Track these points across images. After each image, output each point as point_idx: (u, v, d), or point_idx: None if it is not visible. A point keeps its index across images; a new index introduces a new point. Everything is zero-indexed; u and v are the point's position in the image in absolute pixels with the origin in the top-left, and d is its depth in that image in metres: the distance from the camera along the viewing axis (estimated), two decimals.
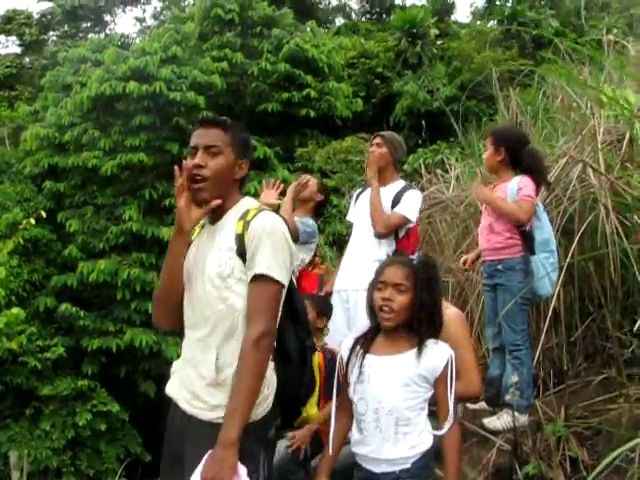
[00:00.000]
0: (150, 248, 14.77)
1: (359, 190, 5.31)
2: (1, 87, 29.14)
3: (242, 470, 2.35)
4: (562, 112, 6.18)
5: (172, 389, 2.72)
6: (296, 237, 5.23)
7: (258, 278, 2.52)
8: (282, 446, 3.64)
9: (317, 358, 3.81)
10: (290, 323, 2.68)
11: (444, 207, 5.86)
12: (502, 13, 20.15)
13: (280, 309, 2.60)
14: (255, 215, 2.60)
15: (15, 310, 10.57)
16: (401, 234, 4.87)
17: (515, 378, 3.65)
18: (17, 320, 10.65)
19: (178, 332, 2.78)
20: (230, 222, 2.64)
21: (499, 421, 3.80)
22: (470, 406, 4.23)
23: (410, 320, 2.88)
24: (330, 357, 3.89)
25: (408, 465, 2.78)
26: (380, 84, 19.61)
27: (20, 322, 10.93)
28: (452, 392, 2.81)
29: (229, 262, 2.58)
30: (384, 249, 4.67)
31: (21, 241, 11.11)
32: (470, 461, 3.53)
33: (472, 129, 8.34)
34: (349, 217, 5.30)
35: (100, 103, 15.78)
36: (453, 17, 26.16)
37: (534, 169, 4.13)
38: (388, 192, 4.89)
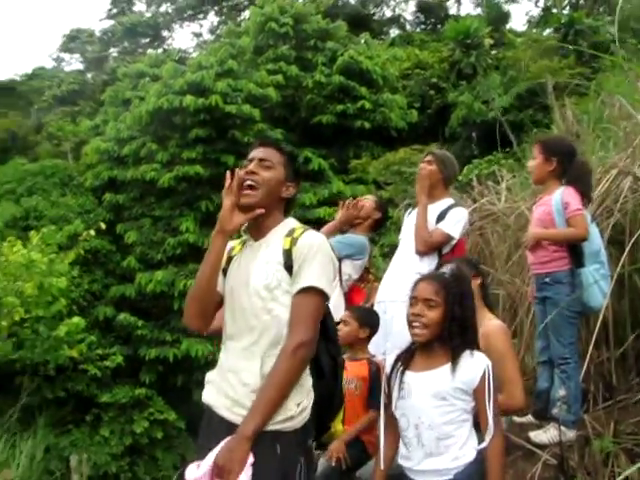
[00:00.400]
0: None
1: (411, 209, 5.32)
2: (65, 103, 30.01)
3: (249, 469, 2.44)
4: (617, 121, 6.08)
5: (210, 397, 2.78)
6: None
7: (305, 290, 2.62)
8: (325, 459, 3.75)
9: (361, 368, 3.89)
10: (322, 340, 2.74)
11: (495, 219, 5.83)
12: (558, 21, 19.86)
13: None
14: (302, 233, 2.73)
15: (76, 319, 10.87)
16: (445, 250, 4.86)
17: (563, 392, 3.62)
18: (78, 329, 10.94)
19: (205, 335, 2.86)
20: (276, 239, 2.76)
21: (545, 435, 3.76)
22: (516, 419, 4.19)
23: (444, 334, 2.91)
24: (375, 369, 3.96)
25: (451, 476, 2.81)
26: (435, 95, 19.51)
27: (80, 331, 11.23)
28: (491, 403, 2.82)
29: (276, 274, 2.67)
30: (425, 263, 4.68)
31: (82, 252, 11.43)
32: (515, 475, 3.50)
33: (528, 139, 8.26)
34: (401, 235, 5.32)
35: (158, 117, 16.13)
36: (508, 26, 25.91)
37: (580, 181, 4.08)
38: (435, 209, 4.89)
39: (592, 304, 3.97)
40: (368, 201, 5.48)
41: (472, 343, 2.96)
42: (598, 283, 3.91)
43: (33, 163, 18.64)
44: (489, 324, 3.64)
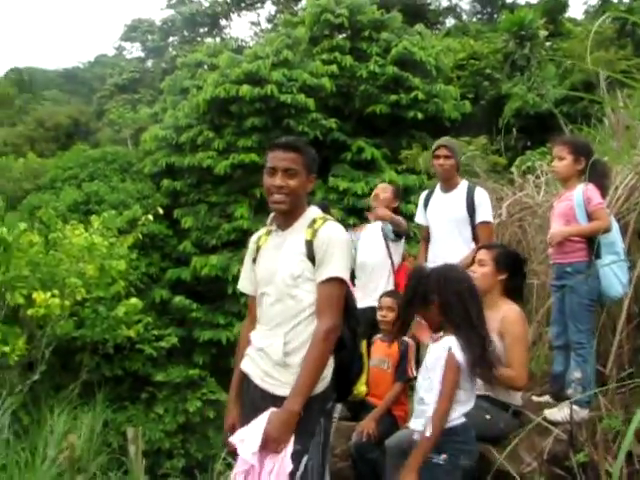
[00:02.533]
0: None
1: (426, 193, 5.57)
2: (125, 90, 30.74)
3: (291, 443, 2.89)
4: None
5: (247, 367, 3.22)
6: (407, 232, 5.70)
7: (329, 280, 2.99)
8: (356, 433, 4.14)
9: (393, 347, 4.27)
10: (344, 315, 3.10)
11: (533, 211, 6.00)
12: (617, 10, 19.62)
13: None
14: (322, 224, 3.08)
15: (133, 300, 11.28)
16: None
17: (578, 374, 3.88)
18: (135, 310, 11.35)
19: None
20: (299, 229, 3.11)
21: (559, 413, 3.99)
22: (535, 398, 4.44)
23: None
24: (404, 348, 4.34)
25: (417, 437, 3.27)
26: (489, 86, 19.50)
27: (138, 312, 11.62)
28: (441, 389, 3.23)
29: (300, 264, 3.05)
30: (465, 249, 4.99)
31: (140, 236, 11.84)
32: (529, 447, 3.74)
33: (581, 131, 8.28)
34: (418, 219, 5.59)
35: (215, 105, 16.52)
36: (566, 15, 25.58)
37: (600, 178, 4.29)
38: (457, 198, 5.19)
39: (610, 293, 4.19)
40: (387, 192, 5.79)
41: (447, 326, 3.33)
42: (614, 272, 4.13)
43: (94, 149, 19.21)
44: (507, 309, 3.94)
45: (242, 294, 12.07)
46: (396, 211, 5.89)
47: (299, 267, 3.04)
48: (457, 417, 3.25)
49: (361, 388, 3.48)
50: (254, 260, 3.27)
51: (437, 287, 3.32)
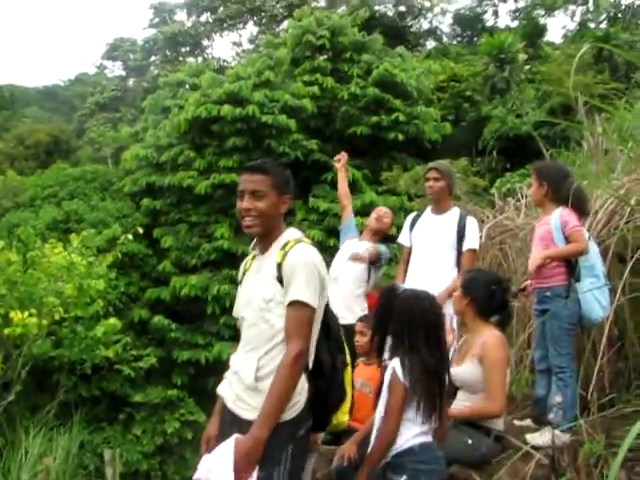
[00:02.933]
0: (240, 265, 15.30)
1: (414, 215, 5.63)
2: (106, 109, 30.68)
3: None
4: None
5: (222, 389, 3.22)
6: (377, 259, 5.74)
7: (294, 303, 2.96)
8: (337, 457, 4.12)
9: (376, 373, 4.24)
10: (325, 340, 3.11)
11: (514, 234, 6.05)
12: (594, 35, 19.91)
13: (315, 329, 3.04)
14: (292, 246, 3.04)
15: (112, 320, 11.22)
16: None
17: (559, 399, 3.90)
18: (114, 330, 11.29)
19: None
20: (274, 252, 3.10)
21: (541, 438, 4.01)
22: (516, 422, 4.46)
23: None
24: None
25: (388, 459, 3.33)
26: (469, 108, 19.65)
27: (116, 332, 11.57)
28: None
29: (271, 288, 3.03)
30: (448, 274, 5.02)
31: (119, 255, 11.78)
32: (510, 473, 3.75)
33: (560, 154, 8.35)
34: (401, 240, 5.64)
35: (196, 125, 16.51)
36: (545, 39, 25.91)
37: (574, 200, 4.34)
38: (448, 222, 5.24)
39: (591, 316, 4.22)
40: (389, 218, 5.91)
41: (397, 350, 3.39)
42: (594, 296, 4.16)
43: (74, 168, 19.12)
44: (488, 334, 3.97)
45: (222, 314, 12.02)
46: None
47: (270, 291, 3.03)
48: (413, 436, 3.28)
49: (342, 418, 3.30)
50: (241, 284, 3.30)
51: (396, 314, 3.37)
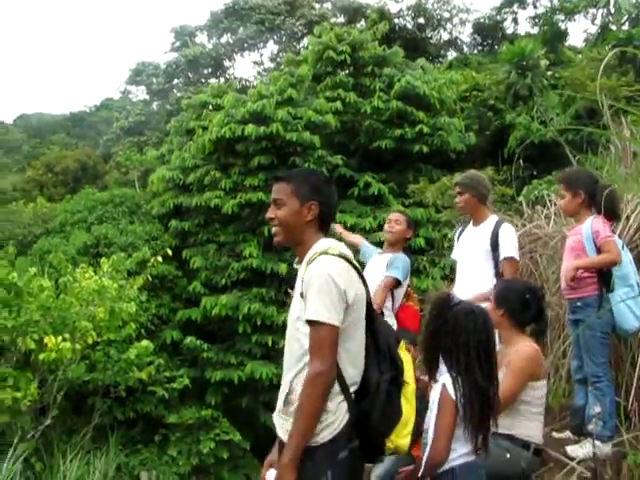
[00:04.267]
0: (270, 283, 15.34)
1: (460, 228, 5.59)
2: (132, 133, 31.00)
3: None
4: None
5: (274, 416, 3.14)
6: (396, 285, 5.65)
7: (310, 322, 2.85)
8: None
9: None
10: (375, 356, 2.98)
11: (545, 242, 5.98)
12: (616, 38, 19.73)
13: (349, 346, 2.91)
14: (314, 259, 2.93)
15: (145, 342, 11.29)
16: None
17: (597, 409, 3.82)
18: (146, 352, 11.35)
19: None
20: (303, 265, 3.02)
21: (581, 450, 3.94)
22: (555, 435, 4.38)
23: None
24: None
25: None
26: (493, 116, 19.53)
27: (149, 354, 11.62)
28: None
29: (298, 305, 2.96)
30: (488, 285, 4.96)
31: (149, 278, 11.88)
32: None
33: (587, 160, 8.26)
34: (453, 255, 5.60)
35: (221, 145, 16.60)
36: (566, 43, 25.76)
37: (607, 207, 4.27)
38: (483, 232, 5.19)
39: (624, 326, 4.15)
40: (401, 224, 5.83)
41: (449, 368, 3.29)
42: (628, 306, 4.08)
43: (102, 192, 19.31)
44: (522, 345, 3.92)
45: (253, 332, 12.03)
46: (410, 240, 5.96)
47: (297, 308, 2.96)
48: (456, 457, 3.18)
49: (399, 441, 2.99)
50: None
51: (446, 329, 3.29)
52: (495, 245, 5.13)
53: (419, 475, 3.19)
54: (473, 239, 5.33)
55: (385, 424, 2.96)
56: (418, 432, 3.11)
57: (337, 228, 6.45)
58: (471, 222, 5.49)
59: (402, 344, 3.17)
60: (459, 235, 5.60)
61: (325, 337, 2.81)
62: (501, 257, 5.11)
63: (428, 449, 3.16)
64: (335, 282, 2.85)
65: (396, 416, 2.99)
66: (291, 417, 2.86)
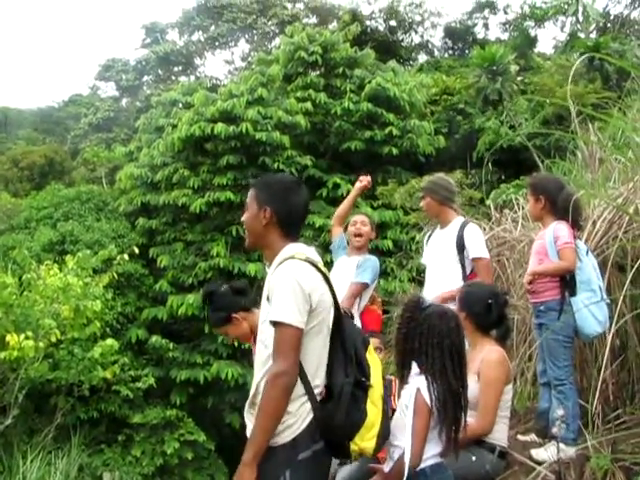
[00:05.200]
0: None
1: (429, 232, 5.60)
2: (100, 129, 30.68)
3: None
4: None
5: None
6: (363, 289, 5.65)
7: (274, 324, 2.88)
8: None
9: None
10: (341, 359, 3.00)
11: (512, 246, 6.02)
12: (584, 45, 19.98)
13: (311, 348, 2.93)
14: (280, 264, 2.98)
15: (109, 341, 11.17)
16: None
17: (561, 412, 3.85)
18: (111, 350, 11.23)
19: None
20: (271, 269, 3.06)
21: (546, 452, 3.97)
22: (520, 437, 4.42)
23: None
24: (387, 384, 4.30)
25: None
26: (462, 120, 19.67)
27: (114, 353, 11.50)
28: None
29: (265, 307, 3.00)
30: (456, 287, 4.96)
31: (115, 276, 11.74)
32: None
33: (555, 164, 8.32)
34: (422, 260, 5.61)
35: (190, 144, 16.50)
36: (535, 50, 26.03)
37: (567, 213, 4.33)
38: (449, 234, 5.20)
39: (586, 331, 4.21)
40: (367, 225, 5.83)
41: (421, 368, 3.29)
42: (590, 311, 4.13)
43: (69, 188, 19.09)
44: (488, 350, 3.94)
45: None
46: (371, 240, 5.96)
47: (265, 311, 2.99)
48: (427, 458, 3.19)
49: (364, 444, 2.98)
50: None
51: (419, 331, 3.28)
52: (461, 247, 5.14)
53: (388, 476, 3.20)
54: (440, 242, 5.35)
55: (349, 427, 2.96)
56: (385, 435, 3.09)
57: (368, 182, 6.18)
58: (439, 225, 5.52)
59: (371, 346, 3.19)
60: (428, 239, 5.61)
61: (287, 338, 2.85)
62: (470, 258, 5.13)
63: (406, 454, 3.14)
64: (300, 285, 2.89)
65: (360, 419, 2.98)
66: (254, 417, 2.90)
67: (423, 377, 3.23)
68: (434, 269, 5.34)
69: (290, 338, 2.85)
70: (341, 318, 3.09)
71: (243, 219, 3.17)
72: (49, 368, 10.71)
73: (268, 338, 2.92)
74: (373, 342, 4.57)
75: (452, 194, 5.46)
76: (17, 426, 10.44)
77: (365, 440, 2.99)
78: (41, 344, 9.47)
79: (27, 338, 9.09)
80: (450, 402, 3.17)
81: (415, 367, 3.32)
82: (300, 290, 2.88)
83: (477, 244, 5.16)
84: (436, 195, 5.34)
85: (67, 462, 9.26)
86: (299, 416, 2.89)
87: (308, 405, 2.91)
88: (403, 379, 3.41)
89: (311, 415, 2.91)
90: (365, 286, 5.67)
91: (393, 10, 28.38)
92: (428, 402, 3.16)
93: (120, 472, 11.94)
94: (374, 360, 3.14)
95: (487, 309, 4.10)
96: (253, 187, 3.19)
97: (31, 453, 8.90)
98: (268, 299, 2.95)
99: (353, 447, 3.00)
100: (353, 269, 5.72)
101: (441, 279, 5.19)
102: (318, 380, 2.95)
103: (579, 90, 16.47)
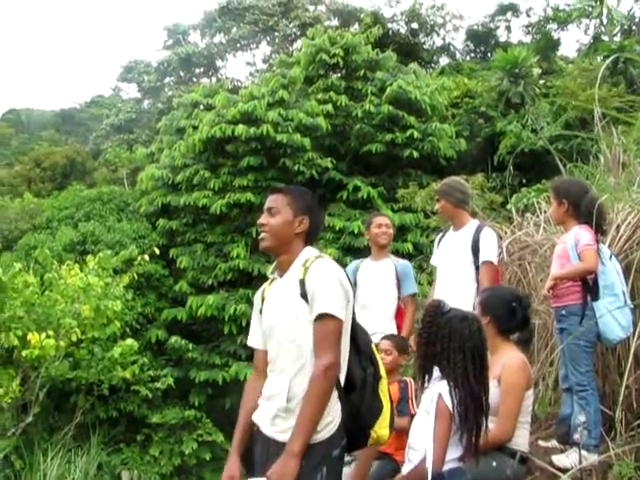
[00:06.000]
0: (256, 284, 15.21)
1: (440, 235, 5.57)
2: (122, 131, 30.86)
3: None
4: None
5: (257, 417, 3.17)
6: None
7: (321, 317, 2.94)
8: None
9: (393, 388, 4.12)
10: (355, 355, 3.09)
11: (534, 250, 5.96)
12: (608, 48, 19.78)
13: (343, 342, 3.00)
14: (313, 262, 3.07)
15: (129, 341, 11.22)
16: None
17: (582, 418, 3.81)
18: (131, 351, 11.28)
19: None
20: (294, 271, 3.11)
21: (567, 459, 3.93)
22: (541, 443, 4.37)
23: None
24: (404, 385, 4.31)
25: None
26: (484, 123, 19.56)
27: (133, 353, 11.55)
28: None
29: (296, 306, 3.03)
30: (469, 290, 4.93)
31: (135, 276, 11.80)
32: None
33: (577, 168, 8.25)
34: (432, 261, 5.58)
35: (211, 145, 16.57)
36: (558, 53, 25.83)
37: (592, 217, 4.28)
38: (464, 237, 5.17)
39: (609, 336, 4.15)
40: (391, 228, 5.80)
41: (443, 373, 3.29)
42: (613, 316, 4.08)
43: (90, 189, 19.22)
44: (510, 356, 3.90)
45: (238, 333, 12.00)
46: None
47: (295, 309, 3.03)
48: (446, 461, 3.18)
49: (381, 432, 3.14)
50: (261, 312, 3.27)
51: (441, 336, 3.26)
52: (476, 250, 5.12)
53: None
54: (454, 244, 5.31)
55: (371, 415, 3.12)
56: (392, 423, 3.23)
57: None
58: (451, 227, 5.48)
59: (373, 344, 3.30)
60: (439, 240, 5.58)
61: (334, 330, 2.94)
62: (480, 261, 5.10)
63: (428, 459, 3.12)
64: (340, 281, 3.02)
65: (379, 408, 3.14)
66: (292, 414, 2.92)
67: (445, 382, 3.22)
68: (447, 271, 5.30)
69: (336, 330, 2.94)
70: (353, 316, 3.17)
71: (269, 222, 3.18)
72: (69, 367, 10.78)
73: (300, 336, 2.98)
74: (383, 344, 4.60)
75: (466, 196, 5.43)
76: (38, 424, 10.52)
77: (382, 427, 3.15)
78: (62, 343, 9.54)
79: (48, 337, 9.16)
80: (472, 406, 3.16)
81: (437, 371, 3.31)
82: (341, 286, 3.01)
83: (490, 248, 5.15)
84: (451, 198, 5.31)
85: (86, 460, 9.33)
86: (335, 413, 2.96)
87: (337, 403, 2.98)
88: (424, 383, 3.40)
89: (339, 412, 2.97)
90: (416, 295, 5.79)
91: (415, 13, 28.26)
92: (450, 407, 3.16)
93: (138, 471, 11.99)
94: (378, 356, 3.28)
95: (511, 312, 4.06)
96: (286, 194, 3.23)
97: (51, 451, 8.97)
98: (303, 296, 3.00)
99: (372, 435, 3.14)
100: (390, 273, 5.70)
101: (454, 281, 5.15)
102: (342, 375, 3.02)
103: (603, 93, 16.31)
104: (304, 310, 3.00)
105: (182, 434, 13.57)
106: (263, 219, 3.21)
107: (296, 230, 3.18)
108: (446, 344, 3.24)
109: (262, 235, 3.20)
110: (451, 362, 3.21)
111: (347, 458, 4.29)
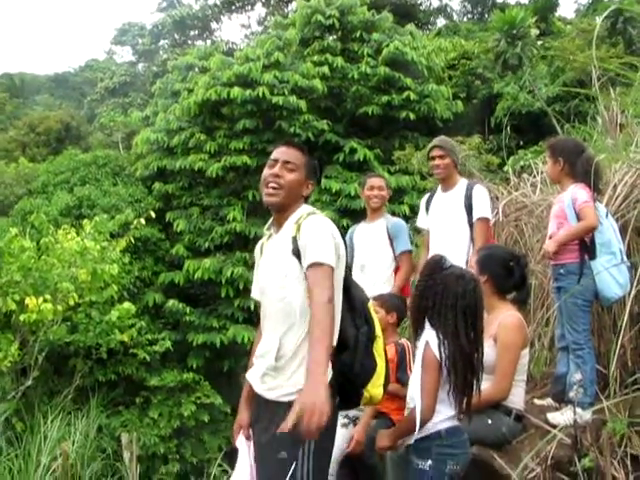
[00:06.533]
0: (253, 247, 15.15)
1: (427, 196, 5.53)
2: (116, 94, 30.65)
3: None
4: None
5: (249, 374, 3.20)
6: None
7: (312, 265, 2.86)
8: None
9: (389, 350, 4.11)
10: (348, 312, 3.04)
11: (530, 211, 5.97)
12: (607, 8, 19.57)
13: (336, 298, 2.90)
14: (306, 218, 3.01)
15: (126, 305, 11.23)
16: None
17: (578, 376, 3.84)
18: (128, 314, 11.30)
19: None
20: (288, 228, 3.06)
21: (562, 416, 3.97)
22: (537, 402, 4.41)
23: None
24: (401, 349, 4.29)
25: (411, 441, 3.26)
26: (481, 85, 19.47)
27: (131, 316, 11.57)
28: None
29: (287, 263, 2.98)
30: (464, 249, 4.93)
31: (132, 240, 11.78)
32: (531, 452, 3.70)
33: (574, 129, 8.22)
34: (419, 223, 5.55)
35: (206, 108, 16.46)
36: (556, 14, 25.58)
37: (588, 176, 4.27)
38: (456, 196, 5.16)
39: (606, 294, 4.16)
40: (384, 190, 5.75)
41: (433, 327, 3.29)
42: (610, 273, 4.09)
43: (86, 153, 19.12)
44: (505, 315, 3.92)
45: (236, 296, 12.03)
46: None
47: (286, 266, 2.98)
48: (442, 420, 3.20)
49: (375, 391, 3.11)
50: (258, 266, 3.26)
51: (434, 291, 3.27)
52: (469, 208, 5.10)
53: (399, 429, 3.23)
54: (446, 206, 5.27)
55: (364, 374, 3.06)
56: (386, 383, 3.21)
57: None
58: (439, 189, 5.43)
59: (370, 305, 3.26)
60: (427, 203, 5.52)
61: (327, 275, 2.85)
62: (474, 218, 5.07)
63: (417, 408, 3.16)
64: (332, 235, 2.96)
65: (372, 367, 3.09)
66: (281, 372, 2.92)
67: (434, 332, 3.22)
68: (442, 232, 5.26)
69: (329, 275, 2.85)
70: (349, 275, 3.15)
71: (285, 176, 3.07)
72: (67, 331, 10.79)
73: (290, 293, 2.94)
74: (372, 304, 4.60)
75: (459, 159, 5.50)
76: (37, 387, 10.57)
77: (375, 387, 3.11)
78: (59, 307, 9.53)
79: (45, 301, 9.16)
80: (460, 363, 3.17)
81: (428, 325, 3.31)
82: (332, 239, 2.94)
83: (484, 205, 5.15)
84: (455, 156, 5.30)
85: (86, 423, 9.38)
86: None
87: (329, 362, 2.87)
88: (417, 337, 3.42)
89: (330, 370, 2.86)
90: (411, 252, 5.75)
91: None
92: (437, 357, 3.17)
93: (138, 433, 12.04)
94: (374, 315, 3.22)
95: (508, 272, 4.07)
96: (305, 154, 3.17)
97: (51, 413, 9.01)
98: (294, 253, 2.94)
99: (365, 394, 3.11)
100: (382, 233, 5.68)
101: (449, 241, 5.13)
102: (335, 333, 2.93)
103: (601, 54, 16.17)
104: (295, 268, 2.95)
105: (181, 397, 13.65)
106: (279, 170, 3.09)
107: (304, 193, 3.14)
108: (439, 300, 3.24)
109: (273, 188, 3.07)
110: (442, 317, 3.21)
111: (344, 420, 4.34)
